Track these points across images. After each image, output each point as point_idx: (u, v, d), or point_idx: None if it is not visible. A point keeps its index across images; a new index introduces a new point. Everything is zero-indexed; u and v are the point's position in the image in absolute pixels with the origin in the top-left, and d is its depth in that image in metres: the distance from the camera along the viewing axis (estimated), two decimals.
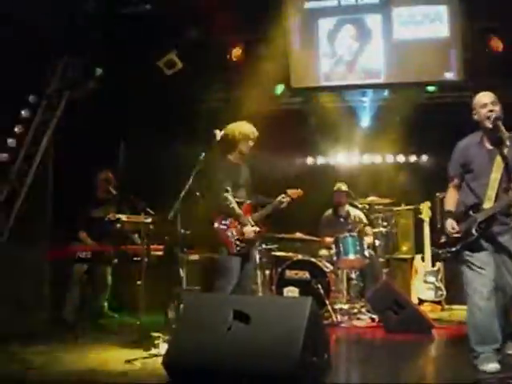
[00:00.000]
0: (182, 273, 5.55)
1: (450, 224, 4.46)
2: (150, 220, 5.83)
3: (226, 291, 5.26)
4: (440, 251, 4.58)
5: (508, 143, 4.30)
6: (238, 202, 5.54)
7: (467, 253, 4.41)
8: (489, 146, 4.46)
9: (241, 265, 5.47)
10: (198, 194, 5.56)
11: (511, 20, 7.59)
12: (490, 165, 4.37)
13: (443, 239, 4.54)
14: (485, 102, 4.43)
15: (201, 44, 8.09)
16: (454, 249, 4.46)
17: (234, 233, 5.49)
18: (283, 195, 5.73)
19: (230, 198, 5.46)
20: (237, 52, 8.33)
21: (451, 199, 4.63)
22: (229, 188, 5.44)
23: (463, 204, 4.51)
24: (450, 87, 8.35)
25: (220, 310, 3.86)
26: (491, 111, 4.37)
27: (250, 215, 5.64)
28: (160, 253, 6.14)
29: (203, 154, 5.25)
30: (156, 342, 5.14)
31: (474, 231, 4.36)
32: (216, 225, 5.54)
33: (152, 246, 5.99)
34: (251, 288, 6.09)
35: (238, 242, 5.46)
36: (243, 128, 5.64)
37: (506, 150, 4.31)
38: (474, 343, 4.33)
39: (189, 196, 5.24)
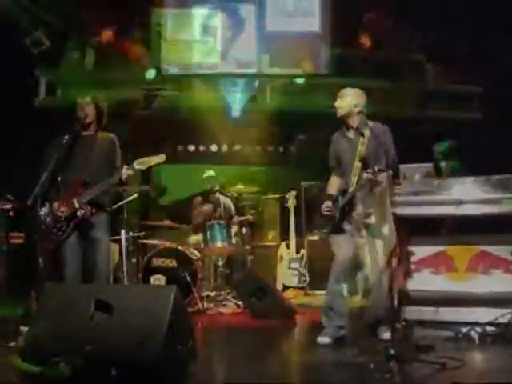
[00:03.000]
0: (42, 262, 5.31)
1: (326, 204, 4.82)
2: (9, 206, 5.55)
3: None
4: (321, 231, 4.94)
5: (366, 133, 4.66)
6: None
7: (331, 235, 4.83)
8: (351, 136, 4.86)
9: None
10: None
11: (381, 17, 7.96)
12: (353, 154, 4.72)
13: (319, 220, 4.88)
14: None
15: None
16: (325, 230, 4.84)
17: None
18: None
19: None
20: (107, 34, 8.11)
21: (332, 184, 5.00)
22: None
23: (338, 190, 4.90)
24: (317, 80, 8.60)
25: (82, 300, 3.74)
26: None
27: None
28: (20, 241, 5.88)
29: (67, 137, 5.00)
30: (14, 333, 4.92)
31: (336, 214, 4.77)
32: None
33: (11, 234, 5.72)
34: None
35: None
36: None
37: (362, 140, 4.65)
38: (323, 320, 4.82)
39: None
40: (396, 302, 5.11)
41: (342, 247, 4.80)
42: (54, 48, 8.04)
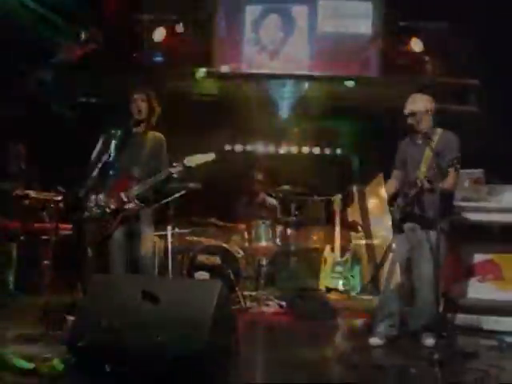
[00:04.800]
0: (90, 252, 5.42)
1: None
2: (59, 197, 5.66)
3: None
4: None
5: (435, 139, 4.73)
6: None
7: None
8: (419, 141, 4.87)
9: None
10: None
11: (432, 22, 7.86)
12: (419, 158, 4.80)
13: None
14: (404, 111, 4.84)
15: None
16: None
17: None
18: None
19: None
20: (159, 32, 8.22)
21: (390, 186, 5.05)
22: None
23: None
24: (367, 83, 8.54)
25: (128, 290, 3.80)
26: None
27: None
28: (69, 232, 5.99)
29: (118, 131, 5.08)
30: (61, 322, 5.02)
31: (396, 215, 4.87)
32: None
33: (61, 225, 5.83)
34: None
35: None
36: None
37: (430, 145, 4.65)
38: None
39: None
40: (442, 309, 5.05)
41: (398, 247, 4.83)
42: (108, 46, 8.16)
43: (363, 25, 8.19)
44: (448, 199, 4.77)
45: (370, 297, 7.16)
